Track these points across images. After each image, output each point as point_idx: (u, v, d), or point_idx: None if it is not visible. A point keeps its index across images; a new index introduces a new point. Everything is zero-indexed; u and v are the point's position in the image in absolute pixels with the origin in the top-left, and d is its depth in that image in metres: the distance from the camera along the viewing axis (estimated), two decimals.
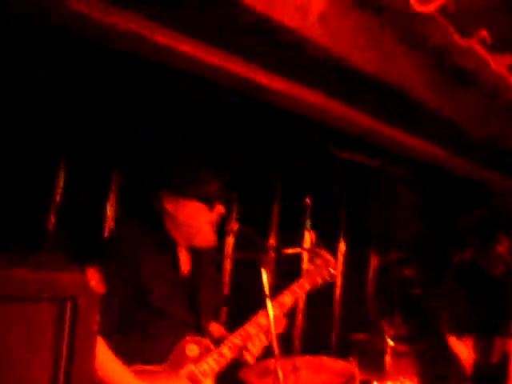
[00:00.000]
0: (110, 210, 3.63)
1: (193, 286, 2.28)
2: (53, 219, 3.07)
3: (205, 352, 2.20)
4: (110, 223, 3.61)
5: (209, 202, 2.17)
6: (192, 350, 2.18)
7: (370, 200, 5.33)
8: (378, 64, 1.85)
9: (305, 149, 4.45)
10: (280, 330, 2.32)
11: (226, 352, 2.21)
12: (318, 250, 2.55)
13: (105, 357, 2.02)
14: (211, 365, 2.18)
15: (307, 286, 2.45)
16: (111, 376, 2.02)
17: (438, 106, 2.21)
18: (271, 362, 2.14)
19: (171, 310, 2.18)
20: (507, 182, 3.32)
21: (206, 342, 2.24)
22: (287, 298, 2.37)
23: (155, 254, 2.18)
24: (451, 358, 3.94)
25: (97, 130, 3.26)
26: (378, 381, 3.28)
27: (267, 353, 2.24)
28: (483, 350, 3.91)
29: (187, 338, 2.19)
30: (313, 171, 4.65)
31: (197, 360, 2.19)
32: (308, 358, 2.96)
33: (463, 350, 3.90)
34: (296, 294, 2.40)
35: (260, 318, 2.28)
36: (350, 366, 3.19)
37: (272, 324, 2.09)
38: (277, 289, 2.62)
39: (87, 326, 1.20)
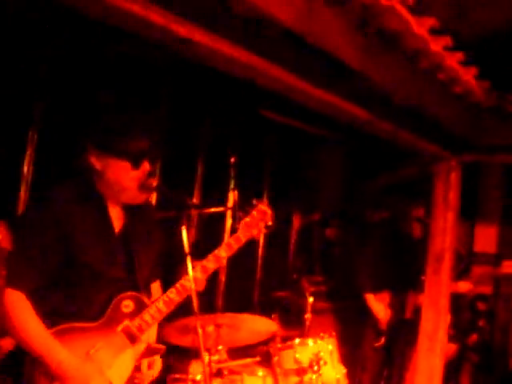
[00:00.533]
0: (27, 168, 3.50)
1: (126, 242, 2.23)
2: None
3: (140, 308, 2.19)
4: (27, 181, 3.49)
5: (135, 160, 2.11)
6: (127, 306, 2.17)
7: (293, 161, 5.39)
8: (303, 20, 1.82)
9: (230, 108, 4.41)
10: (201, 288, 2.32)
11: (162, 307, 2.20)
12: (254, 201, 2.53)
13: (25, 316, 1.99)
14: (147, 320, 2.18)
15: (243, 239, 2.41)
16: (30, 336, 1.99)
17: (361, 66, 2.22)
18: (191, 320, 2.14)
19: (104, 268, 2.13)
20: (426, 146, 3.42)
21: (142, 297, 2.22)
22: (223, 252, 2.35)
23: (85, 211, 2.12)
24: (368, 314, 4.09)
25: (11, 82, 3.12)
26: (299, 337, 3.38)
27: (188, 311, 2.23)
28: (398, 305, 4.09)
29: (122, 294, 2.17)
30: (238, 131, 4.63)
31: (132, 316, 2.18)
32: (230, 316, 2.99)
33: (380, 307, 4.06)
34: (232, 247, 2.37)
35: (195, 273, 2.25)
36: (271, 323, 3.26)
37: (192, 282, 2.09)
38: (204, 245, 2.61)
39: None
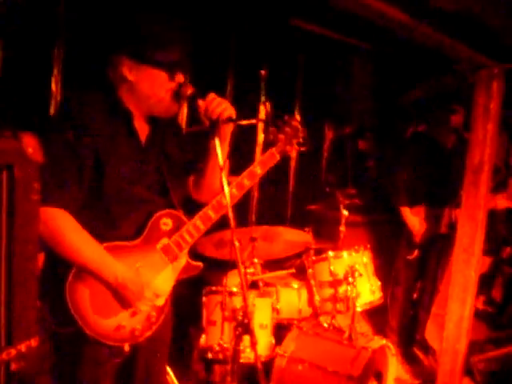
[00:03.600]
0: (55, 87, 3.46)
1: (156, 157, 2.17)
2: None
3: (179, 225, 2.17)
4: (56, 100, 3.46)
5: (171, 69, 2.04)
6: (166, 223, 2.15)
7: (326, 72, 5.23)
8: None
9: (260, 19, 4.25)
10: (234, 202, 2.29)
11: (199, 224, 2.18)
12: (286, 117, 2.46)
13: (75, 233, 1.95)
14: (185, 237, 2.17)
15: (277, 156, 2.37)
16: (83, 254, 1.96)
17: None
18: (227, 233, 2.12)
19: (131, 186, 2.08)
20: (467, 52, 3.24)
21: (180, 215, 2.19)
22: (259, 170, 2.31)
23: (111, 127, 2.04)
24: (403, 228, 4.07)
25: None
26: (333, 250, 3.38)
27: (223, 224, 2.22)
28: (433, 219, 4.04)
29: (161, 212, 2.14)
30: (269, 42, 4.48)
31: (171, 233, 2.16)
32: (265, 229, 3.00)
33: (415, 220, 4.02)
34: (266, 165, 2.34)
35: (232, 189, 2.22)
36: (305, 235, 3.26)
37: (228, 195, 2.05)
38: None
39: (26, 196, 1.11)
